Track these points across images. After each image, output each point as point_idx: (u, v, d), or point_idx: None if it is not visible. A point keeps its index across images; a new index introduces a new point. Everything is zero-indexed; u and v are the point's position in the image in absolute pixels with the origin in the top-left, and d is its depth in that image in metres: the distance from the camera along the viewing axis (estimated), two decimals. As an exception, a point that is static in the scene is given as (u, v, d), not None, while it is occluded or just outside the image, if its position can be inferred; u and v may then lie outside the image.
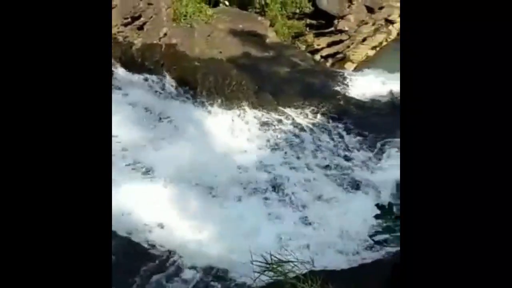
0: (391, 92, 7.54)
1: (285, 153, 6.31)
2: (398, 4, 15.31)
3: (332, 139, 6.48)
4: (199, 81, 7.05)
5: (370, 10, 13.49)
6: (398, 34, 14.83)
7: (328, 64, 11.94)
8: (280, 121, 6.85)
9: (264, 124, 6.76)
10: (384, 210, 2.19)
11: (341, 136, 6.52)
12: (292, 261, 2.70)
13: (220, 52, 7.99)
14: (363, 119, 6.92)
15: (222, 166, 5.96)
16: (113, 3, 7.17)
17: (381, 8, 14.02)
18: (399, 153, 5.83)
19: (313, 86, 7.89)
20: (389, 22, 14.74)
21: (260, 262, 2.67)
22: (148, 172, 5.55)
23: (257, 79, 7.60)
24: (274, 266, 2.64)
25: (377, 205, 2.24)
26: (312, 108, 7.23)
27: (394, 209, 2.17)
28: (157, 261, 4.42)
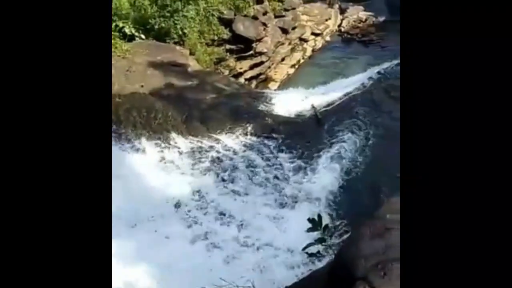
0: (313, 106, 7.93)
1: (220, 177, 6.29)
2: (309, 23, 16.44)
3: (265, 158, 6.60)
4: (123, 118, 6.81)
5: (284, 31, 14.26)
6: (312, 51, 15.86)
7: (252, 85, 12.30)
8: (211, 147, 6.83)
9: (196, 152, 6.70)
10: (314, 223, 2.25)
11: (273, 154, 6.67)
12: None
13: (142, 86, 7.82)
14: (291, 135, 7.16)
15: (156, 202, 5.77)
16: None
17: (294, 28, 14.90)
18: (329, 162, 6.08)
19: (240, 109, 8.02)
20: (303, 40, 15.70)
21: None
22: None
23: (184, 109, 7.55)
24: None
25: (308, 219, 2.30)
26: (241, 130, 7.33)
27: (327, 220, 2.25)
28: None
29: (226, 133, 7.15)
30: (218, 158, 6.65)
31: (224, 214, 5.64)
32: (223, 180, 6.25)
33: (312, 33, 16.29)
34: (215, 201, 5.85)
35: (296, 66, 14.45)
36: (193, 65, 9.51)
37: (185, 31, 10.24)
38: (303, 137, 7.07)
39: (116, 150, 6.46)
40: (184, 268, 4.74)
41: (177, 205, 5.84)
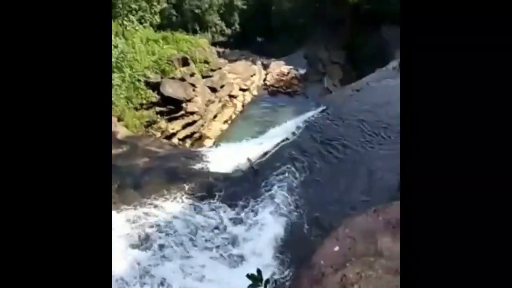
0: (248, 159, 8.07)
1: (159, 245, 5.95)
2: (236, 81, 17.24)
3: (206, 218, 6.43)
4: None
5: (213, 90, 14.76)
6: (242, 105, 16.50)
7: (187, 145, 12.28)
8: (147, 213, 6.51)
9: (131, 221, 6.32)
10: (254, 279, 2.19)
11: (214, 212, 6.54)
12: None
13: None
14: (230, 190, 7.13)
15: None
16: None
17: (222, 86, 15.51)
18: (269, 213, 6.10)
19: (176, 170, 7.88)
20: (232, 97, 16.34)
21: None
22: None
23: (115, 178, 7.21)
24: None
25: (247, 276, 2.24)
26: (179, 192, 7.14)
27: (274, 270, 2.17)
28: None
29: (162, 197, 6.91)
30: (156, 224, 6.33)
31: (167, 285, 5.27)
32: (163, 247, 5.92)
33: (240, 89, 17.08)
34: (155, 271, 5.47)
35: (229, 122, 14.84)
36: (122, 131, 9.29)
37: (112, 98, 10.11)
38: (242, 191, 7.08)
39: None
40: None
41: (116, 279, 5.35)
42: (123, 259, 5.74)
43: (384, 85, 9.71)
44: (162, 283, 5.18)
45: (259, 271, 2.26)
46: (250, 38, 32.20)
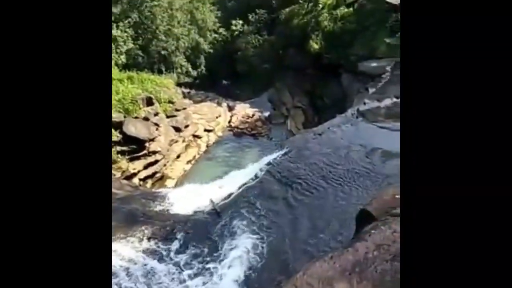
0: (211, 200, 7.94)
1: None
2: (201, 121, 17.31)
3: (166, 263, 6.14)
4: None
5: (178, 129, 14.67)
6: (207, 146, 16.45)
7: (148, 185, 11.91)
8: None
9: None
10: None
11: (174, 258, 6.26)
12: None
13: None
14: (192, 233, 6.92)
15: None
16: None
17: (186, 126, 15.47)
18: (232, 257, 5.93)
19: (135, 212, 7.58)
20: (197, 137, 16.29)
21: None
22: None
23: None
24: None
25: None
26: (138, 235, 6.83)
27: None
28: None
29: (120, 242, 6.56)
30: (112, 270, 5.95)
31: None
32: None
33: (205, 130, 17.10)
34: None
35: (192, 162, 14.67)
36: (80, 170, 8.90)
37: (111, 98, 9.74)
38: (204, 234, 6.89)
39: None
40: None
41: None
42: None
43: (344, 130, 10.12)
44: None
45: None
46: (216, 80, 32.85)
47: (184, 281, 5.68)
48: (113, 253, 6.32)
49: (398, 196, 3.14)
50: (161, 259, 6.19)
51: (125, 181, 9.90)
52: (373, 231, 2.72)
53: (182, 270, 5.90)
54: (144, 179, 11.80)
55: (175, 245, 6.55)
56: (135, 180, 11.26)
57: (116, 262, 6.16)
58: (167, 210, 7.82)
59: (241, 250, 6.19)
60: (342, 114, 11.66)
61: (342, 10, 20.16)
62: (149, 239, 6.79)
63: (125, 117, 11.89)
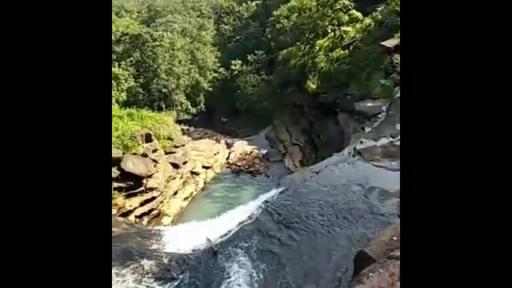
0: (208, 239, 7.83)
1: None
2: (199, 158, 17.39)
3: (160, 304, 5.97)
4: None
5: (176, 166, 14.70)
6: (204, 183, 16.41)
7: (144, 222, 11.76)
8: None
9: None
10: None
11: (169, 299, 6.10)
12: None
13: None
14: (188, 272, 6.77)
15: None
16: None
17: (185, 163, 15.51)
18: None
19: (130, 250, 7.45)
20: (195, 173, 16.29)
21: None
22: None
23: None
24: None
25: None
26: (133, 274, 6.68)
27: None
28: None
29: (114, 280, 6.40)
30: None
31: None
32: None
33: (203, 166, 17.13)
34: None
35: (189, 199, 14.57)
36: (76, 207, 8.84)
37: (111, 99, 9.75)
38: (200, 272, 6.75)
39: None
40: None
41: None
42: None
43: (341, 168, 10.18)
44: None
45: None
46: (215, 117, 33.36)
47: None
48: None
49: (396, 238, 3.15)
50: (155, 300, 6.02)
51: (121, 218, 9.80)
52: (371, 274, 2.70)
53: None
54: (140, 216, 11.68)
55: (171, 285, 6.39)
56: (131, 217, 11.14)
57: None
58: (163, 248, 7.69)
59: (237, 291, 6.04)
60: (339, 152, 11.76)
61: (338, 52, 20.89)
62: (144, 277, 6.64)
63: (123, 153, 11.96)
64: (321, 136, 19.44)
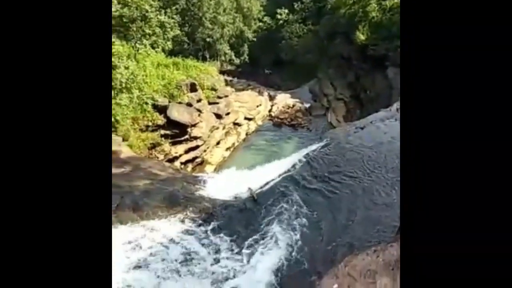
0: (249, 188, 8.06)
1: (154, 270, 5.85)
2: (242, 109, 17.49)
3: (203, 245, 6.36)
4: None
5: (219, 116, 14.95)
6: (246, 134, 16.64)
7: (188, 169, 12.30)
8: (144, 236, 6.45)
9: (129, 242, 6.25)
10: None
11: (211, 240, 6.47)
12: None
13: (69, 174, 7.41)
14: (229, 218, 7.09)
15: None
16: None
17: (227, 114, 15.72)
18: (268, 244, 6.01)
19: (176, 194, 7.87)
20: (237, 125, 16.52)
21: None
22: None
23: (116, 197, 7.19)
24: None
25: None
26: (178, 216, 7.10)
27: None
28: None
29: (161, 220, 6.86)
30: (152, 247, 6.26)
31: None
32: (158, 272, 5.82)
33: (245, 118, 17.28)
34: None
35: (231, 149, 14.93)
36: (125, 151, 9.35)
37: (118, 118, 10.24)
38: (241, 219, 7.04)
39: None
40: None
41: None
42: (115, 282, 5.63)
43: (387, 124, 9.84)
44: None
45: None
46: (258, 69, 32.89)
47: (220, 262, 5.86)
48: (154, 231, 6.64)
49: None
50: (199, 240, 6.41)
51: (167, 164, 10.28)
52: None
53: (219, 252, 6.09)
54: (185, 163, 12.19)
55: (213, 228, 6.75)
56: (177, 164, 11.66)
57: (156, 240, 6.46)
58: (206, 194, 8.04)
59: (276, 239, 6.27)
60: (387, 108, 11.31)
61: (392, 1, 19.36)
62: (187, 220, 7.04)
63: (169, 102, 12.29)
64: (367, 91, 18.69)
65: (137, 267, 5.91)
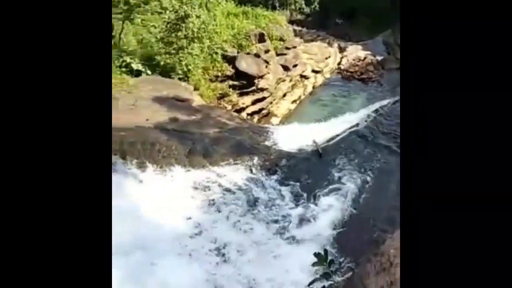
0: (314, 141, 8.06)
1: (221, 212, 6.28)
2: (310, 61, 16.99)
3: (267, 193, 6.62)
4: (127, 151, 6.90)
5: (286, 68, 14.73)
6: (313, 87, 16.27)
7: (254, 120, 12.54)
8: (213, 180, 6.87)
9: (198, 185, 6.73)
10: (320, 257, 2.29)
11: (275, 189, 6.70)
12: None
13: (147, 120, 7.99)
14: (294, 170, 7.24)
15: (159, 235, 5.72)
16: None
17: (295, 66, 15.40)
18: (331, 198, 6.08)
19: (243, 143, 8.14)
20: (304, 77, 16.17)
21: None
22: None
23: (187, 142, 7.66)
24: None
25: (314, 254, 2.34)
26: (244, 164, 7.40)
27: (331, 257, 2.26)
28: None
29: (228, 167, 7.22)
30: (220, 192, 6.67)
31: (224, 250, 5.55)
32: (224, 214, 6.24)
33: (313, 71, 16.80)
34: (215, 236, 5.79)
35: (297, 102, 14.79)
36: (197, 100, 9.75)
37: (190, 67, 10.59)
38: (305, 172, 7.14)
39: (119, 182, 6.50)
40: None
41: (176, 238, 5.76)
42: (184, 218, 6.15)
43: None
44: (222, 248, 5.46)
45: (325, 251, 2.36)
46: (329, 19, 31.19)
47: (283, 211, 6.10)
48: (222, 177, 7.04)
49: None
50: (264, 189, 6.68)
51: (235, 114, 10.57)
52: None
53: (283, 202, 6.32)
54: (251, 114, 12.42)
55: (277, 178, 6.96)
56: (243, 115, 11.92)
57: (224, 185, 6.85)
58: (272, 145, 8.21)
59: (340, 193, 6.31)
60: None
61: None
62: (253, 168, 7.32)
63: (238, 52, 12.34)
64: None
65: (205, 209, 6.38)
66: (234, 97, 11.90)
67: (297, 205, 6.32)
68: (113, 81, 8.39)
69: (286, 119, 13.05)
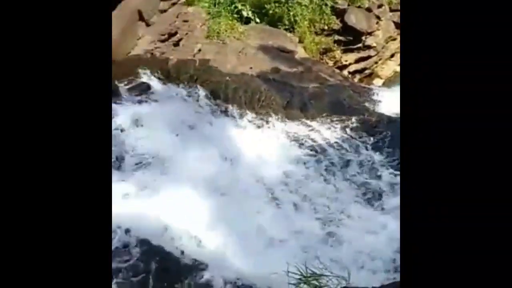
0: (420, 109, 7.50)
1: (312, 168, 6.38)
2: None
3: (361, 156, 6.50)
4: (230, 96, 7.26)
5: (398, 26, 13.51)
6: (427, 50, 14.77)
7: (355, 79, 12.00)
8: (308, 136, 6.94)
9: (292, 138, 6.88)
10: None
11: (370, 153, 6.53)
12: (327, 275, 2.75)
13: (251, 68, 8.21)
14: (392, 136, 6.91)
15: (248, 179, 6.05)
16: (151, 20, 7.56)
17: (409, 24, 14.02)
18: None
19: (342, 101, 7.96)
20: (418, 38, 14.71)
21: (295, 273, 2.74)
22: (176, 179, 5.62)
23: (286, 94, 7.76)
24: (309, 279, 2.70)
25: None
26: (340, 123, 7.29)
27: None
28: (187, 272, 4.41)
29: (324, 124, 7.19)
30: (313, 148, 6.74)
31: (310, 205, 5.67)
32: (315, 170, 6.34)
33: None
34: (304, 191, 5.91)
35: (405, 65, 13.68)
36: (300, 52, 9.64)
37: (297, 18, 10.37)
38: (404, 140, 6.77)
39: (219, 125, 6.97)
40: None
41: (265, 186, 6.02)
42: (277, 167, 6.40)
43: None
44: (308, 204, 5.60)
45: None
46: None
47: (378, 179, 5.96)
48: (317, 133, 7.05)
49: None
50: (358, 152, 6.56)
51: (337, 70, 10.26)
52: None
53: (377, 169, 6.16)
54: (353, 73, 11.89)
55: (373, 142, 6.75)
56: (345, 72, 11.48)
57: (317, 141, 6.88)
58: (372, 107, 7.88)
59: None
60: None
61: None
62: (349, 129, 7.18)
63: (349, 5, 11.62)
64: None
65: (296, 161, 6.54)
66: (337, 53, 11.44)
67: (390, 173, 6.12)
68: (223, 26, 8.69)
69: (391, 81, 12.23)
